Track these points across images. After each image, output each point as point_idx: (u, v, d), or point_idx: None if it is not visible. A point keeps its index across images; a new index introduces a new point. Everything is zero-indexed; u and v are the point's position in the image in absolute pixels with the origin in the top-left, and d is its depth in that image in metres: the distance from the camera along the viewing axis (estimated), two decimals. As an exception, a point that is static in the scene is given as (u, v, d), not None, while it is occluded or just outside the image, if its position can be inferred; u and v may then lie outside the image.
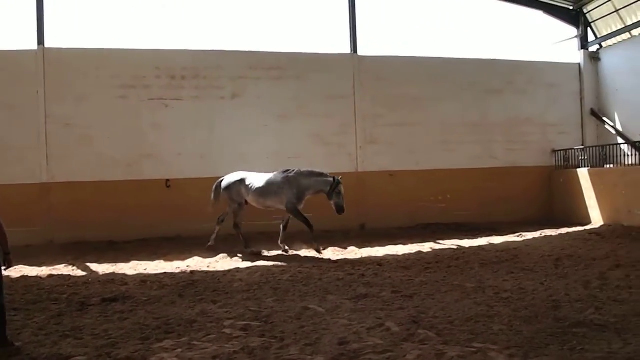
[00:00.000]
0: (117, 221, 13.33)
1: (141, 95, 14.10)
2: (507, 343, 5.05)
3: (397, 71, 16.04)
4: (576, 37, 17.81)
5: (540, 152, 17.13)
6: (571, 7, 17.60)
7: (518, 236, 13.17)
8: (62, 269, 9.75)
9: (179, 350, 5.05)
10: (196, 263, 10.21)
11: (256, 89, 14.88)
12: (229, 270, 9.34)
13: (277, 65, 15.13)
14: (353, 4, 15.74)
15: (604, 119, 17.18)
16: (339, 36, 16.03)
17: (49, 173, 13.44)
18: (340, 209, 10.87)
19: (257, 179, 11.42)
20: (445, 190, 15.79)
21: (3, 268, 5.25)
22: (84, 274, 9.43)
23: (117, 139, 13.84)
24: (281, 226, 11.67)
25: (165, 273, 9.17)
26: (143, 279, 8.63)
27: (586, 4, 17.17)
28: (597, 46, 17.69)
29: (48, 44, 13.59)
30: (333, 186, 10.82)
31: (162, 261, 10.53)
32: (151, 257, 11.00)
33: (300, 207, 11.21)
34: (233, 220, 11.77)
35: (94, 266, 10.09)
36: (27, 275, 9.14)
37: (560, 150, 16.91)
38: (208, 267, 9.85)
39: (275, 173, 11.47)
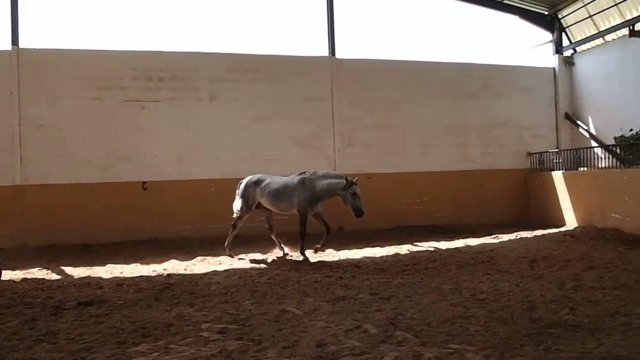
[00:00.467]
0: (93, 224, 13.19)
1: (117, 96, 13.95)
2: (483, 344, 5.10)
3: (375, 74, 16.12)
4: (551, 41, 18.08)
5: (515, 155, 17.34)
6: (546, 13, 17.87)
7: (494, 238, 13.29)
8: (36, 273, 9.59)
9: (156, 354, 5.00)
10: (173, 266, 10.11)
11: (233, 91, 14.83)
12: (206, 273, 9.27)
13: (254, 68, 15.08)
14: (331, 7, 15.79)
15: (578, 122, 17.46)
16: (317, 39, 16.07)
17: (23, 175, 13.23)
18: (357, 211, 10.12)
19: (272, 182, 11.01)
20: (423, 192, 15.89)
21: None
22: (58, 277, 9.28)
23: (92, 141, 13.69)
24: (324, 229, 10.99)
25: (141, 276, 9.08)
26: (119, 283, 8.53)
27: (561, 9, 17.45)
28: (572, 51, 17.98)
29: (22, 44, 13.39)
30: (346, 187, 10.17)
31: (138, 264, 10.42)
32: (127, 260, 10.89)
33: (314, 212, 10.71)
34: (234, 219, 11.34)
35: (68, 269, 9.92)
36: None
37: (536, 153, 17.13)
38: (185, 270, 9.77)
39: (292, 176, 11.02)
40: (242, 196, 11.18)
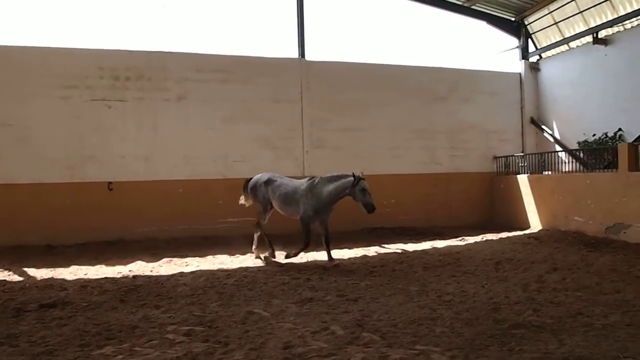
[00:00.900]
0: (57, 225, 12.94)
1: (84, 95, 13.71)
2: (448, 345, 5.16)
3: (344, 77, 16.16)
4: (517, 47, 18.39)
5: (482, 159, 17.58)
6: (513, 19, 18.17)
7: (460, 240, 13.44)
8: (-2, 274, 9.38)
9: (120, 356, 4.94)
10: (139, 267, 9.99)
11: (202, 91, 14.71)
12: (173, 275, 9.18)
13: (223, 68, 14.99)
14: (301, 9, 15.78)
15: (543, 127, 17.80)
16: (287, 41, 16.09)
17: (-15, 175, 12.93)
18: (369, 207, 9.69)
19: (283, 185, 10.66)
20: (391, 195, 15.94)
21: None
22: (20, 279, 9.07)
23: (58, 140, 13.44)
24: (323, 241, 10.49)
25: (106, 278, 8.94)
26: (83, 284, 8.38)
27: (527, 16, 17.77)
28: (537, 57, 18.31)
29: (-13, 41, 13.10)
30: (354, 184, 9.73)
31: (103, 266, 10.25)
32: (92, 261, 10.71)
33: (322, 219, 10.27)
34: (256, 222, 11.07)
35: (31, 271, 9.72)
36: (-41, 281, 8.77)
37: (502, 157, 17.39)
38: (151, 271, 9.65)
39: (302, 180, 10.68)
40: (256, 196, 10.97)
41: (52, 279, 8.97)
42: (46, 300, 7.19)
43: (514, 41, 18.44)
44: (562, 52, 17.41)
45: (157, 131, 14.28)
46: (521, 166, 16.60)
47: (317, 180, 10.24)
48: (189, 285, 8.22)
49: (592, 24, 15.72)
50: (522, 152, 17.59)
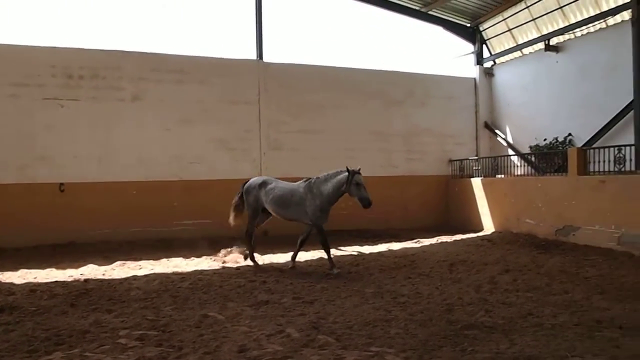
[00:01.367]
0: (6, 227, 12.54)
1: (34, 94, 13.34)
2: (403, 346, 5.21)
3: (302, 79, 16.20)
4: (472, 53, 18.74)
5: (437, 162, 17.85)
6: (468, 25, 18.52)
7: (416, 242, 13.61)
8: (-59, 278, 9.06)
9: (70, 362, 4.83)
10: (91, 271, 9.78)
11: (158, 91, 14.51)
12: (126, 278, 9.01)
13: (180, 69, 14.81)
14: (260, 11, 15.73)
15: (497, 131, 18.18)
16: (245, 42, 16.02)
17: None
18: (365, 201, 9.33)
19: (277, 187, 10.35)
20: (348, 197, 15.93)
21: None
22: (-35, 283, 8.80)
23: (7, 140, 13.04)
24: (299, 241, 10.37)
25: (56, 282, 8.72)
26: (32, 288, 8.14)
27: (482, 22, 18.14)
28: (492, 62, 18.69)
29: None
30: (349, 179, 9.49)
31: (53, 269, 10.01)
32: (42, 265, 10.44)
33: (325, 221, 10.04)
34: (247, 225, 10.73)
35: (-23, 275, 9.43)
36: None
37: (456, 160, 17.69)
38: (103, 275, 9.47)
39: (297, 183, 10.35)
40: (249, 199, 10.64)
41: (-1, 283, 8.71)
42: (-7, 304, 6.98)
43: (469, 47, 18.81)
44: (515, 58, 17.83)
45: (111, 131, 14.01)
46: (475, 169, 16.92)
47: (313, 181, 10.05)
48: (142, 289, 8.08)
49: (544, 32, 16.14)
50: (477, 155, 17.93)
